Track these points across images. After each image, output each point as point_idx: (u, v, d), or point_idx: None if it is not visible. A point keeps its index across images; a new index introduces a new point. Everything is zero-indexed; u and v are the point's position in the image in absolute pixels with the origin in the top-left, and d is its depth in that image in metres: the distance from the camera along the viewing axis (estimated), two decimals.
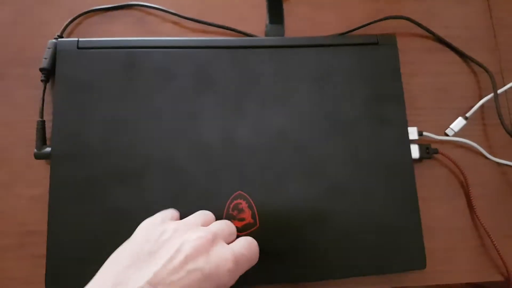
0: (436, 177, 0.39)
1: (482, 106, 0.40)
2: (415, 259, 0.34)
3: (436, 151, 0.38)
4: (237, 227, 0.32)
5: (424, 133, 0.38)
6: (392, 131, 0.36)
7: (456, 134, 0.40)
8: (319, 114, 0.36)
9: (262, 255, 0.31)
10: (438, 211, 0.38)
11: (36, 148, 0.34)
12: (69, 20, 0.39)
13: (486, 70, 0.40)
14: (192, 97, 0.35)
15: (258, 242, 0.31)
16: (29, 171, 0.35)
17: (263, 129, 0.35)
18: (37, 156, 0.34)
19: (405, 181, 0.35)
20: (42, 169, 0.35)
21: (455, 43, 0.42)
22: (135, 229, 0.29)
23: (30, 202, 0.35)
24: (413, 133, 0.37)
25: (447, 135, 0.40)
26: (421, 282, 0.36)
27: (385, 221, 0.34)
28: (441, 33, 0.42)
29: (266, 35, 0.40)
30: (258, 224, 0.33)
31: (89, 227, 0.32)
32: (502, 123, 0.38)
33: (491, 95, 0.40)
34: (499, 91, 0.39)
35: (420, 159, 0.38)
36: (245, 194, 0.34)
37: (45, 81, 0.36)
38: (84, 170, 0.33)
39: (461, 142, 0.39)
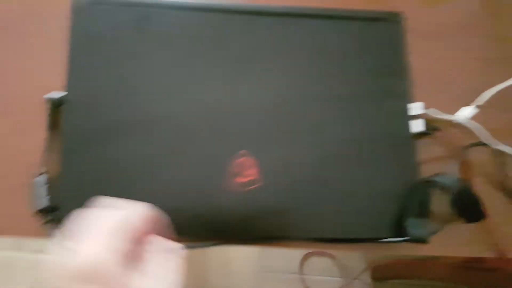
0: (435, 153, 0.39)
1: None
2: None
3: (436, 128, 0.38)
4: (241, 182, 0.34)
5: (431, 109, 0.38)
6: (393, 104, 0.37)
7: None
8: (322, 83, 0.37)
9: (264, 212, 0.32)
10: None
11: None
12: None
13: None
14: (198, 58, 0.36)
15: (260, 198, 0.33)
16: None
17: (267, 93, 0.36)
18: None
19: (405, 152, 0.36)
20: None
21: None
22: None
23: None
24: (417, 108, 0.38)
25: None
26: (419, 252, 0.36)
27: (381, 189, 0.35)
28: None
29: None
30: (261, 182, 0.34)
31: (95, 172, 0.33)
32: None
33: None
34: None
35: (423, 134, 0.38)
36: (249, 153, 0.34)
37: None
38: (95, 119, 0.34)
39: (465, 124, 0.39)
